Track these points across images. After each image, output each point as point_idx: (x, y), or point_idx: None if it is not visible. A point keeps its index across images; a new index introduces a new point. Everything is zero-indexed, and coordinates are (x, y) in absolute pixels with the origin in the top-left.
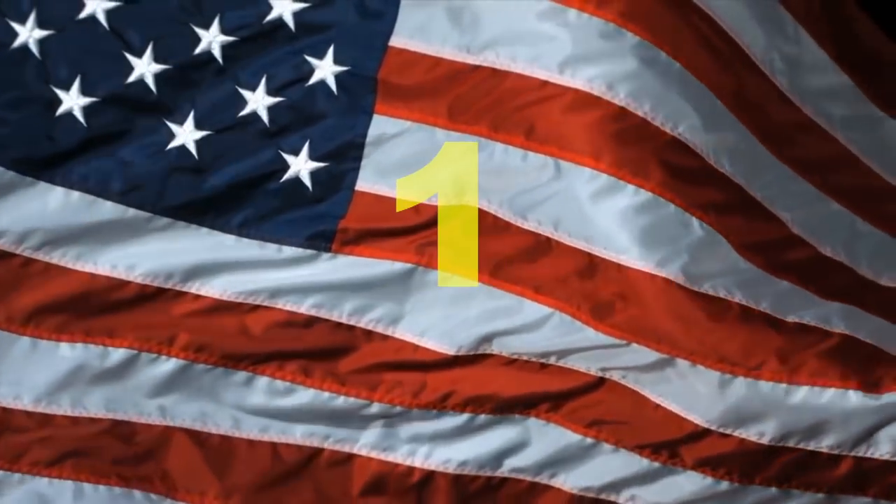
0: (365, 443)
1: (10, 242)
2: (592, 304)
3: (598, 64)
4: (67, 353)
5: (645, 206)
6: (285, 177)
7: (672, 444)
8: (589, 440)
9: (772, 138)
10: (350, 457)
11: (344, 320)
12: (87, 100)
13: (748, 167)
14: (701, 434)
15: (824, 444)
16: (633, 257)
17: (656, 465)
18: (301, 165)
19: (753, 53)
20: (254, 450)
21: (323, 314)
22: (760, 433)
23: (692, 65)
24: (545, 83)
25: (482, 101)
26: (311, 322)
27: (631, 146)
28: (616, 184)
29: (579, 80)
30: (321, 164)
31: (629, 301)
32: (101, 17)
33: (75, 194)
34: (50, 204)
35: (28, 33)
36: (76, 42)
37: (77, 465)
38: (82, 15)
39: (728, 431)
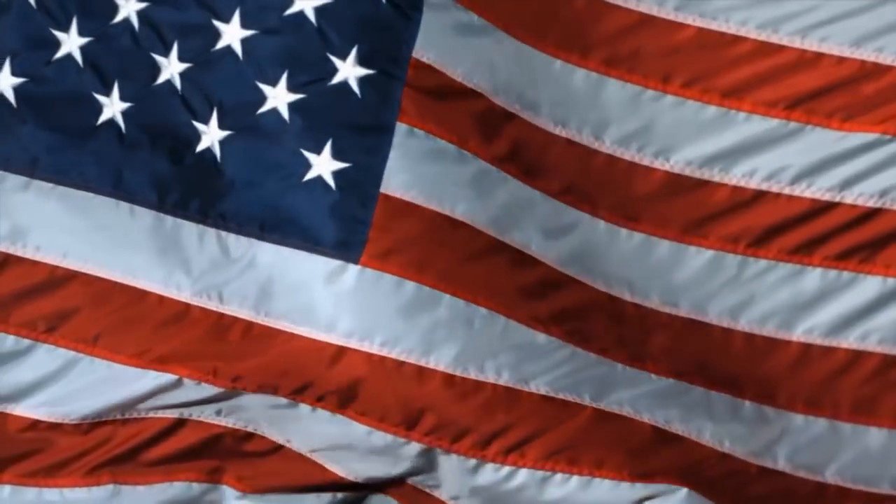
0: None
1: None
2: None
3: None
4: (137, 379)
5: None
6: (308, 176)
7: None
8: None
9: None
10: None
11: (375, 351)
12: (125, 105)
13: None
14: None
15: None
16: None
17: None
18: (324, 165)
19: None
20: (299, 462)
21: (353, 344)
22: None
23: None
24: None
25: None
26: (342, 352)
27: None
28: None
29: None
30: (345, 165)
31: None
32: (134, 20)
33: (124, 205)
34: (99, 216)
35: (71, 42)
36: (112, 47)
37: (114, 472)
38: (117, 19)
39: None
